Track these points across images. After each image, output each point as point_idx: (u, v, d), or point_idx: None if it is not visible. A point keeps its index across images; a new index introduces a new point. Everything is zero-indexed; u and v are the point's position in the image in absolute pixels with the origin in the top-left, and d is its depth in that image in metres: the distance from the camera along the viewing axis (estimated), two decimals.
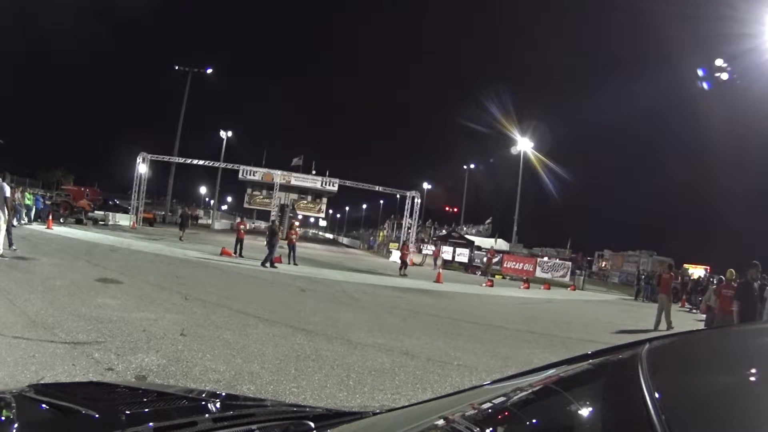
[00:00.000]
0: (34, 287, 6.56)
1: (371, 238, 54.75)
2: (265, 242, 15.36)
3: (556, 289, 21.91)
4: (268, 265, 13.96)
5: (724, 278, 11.91)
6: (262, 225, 50.97)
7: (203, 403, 1.32)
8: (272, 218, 28.13)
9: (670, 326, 11.46)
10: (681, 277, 21.72)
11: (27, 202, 19.86)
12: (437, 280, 17.36)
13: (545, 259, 30.96)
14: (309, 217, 53.98)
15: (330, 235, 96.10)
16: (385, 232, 49.08)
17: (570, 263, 28.84)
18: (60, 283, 7.09)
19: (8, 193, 9.30)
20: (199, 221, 49.37)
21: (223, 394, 2.17)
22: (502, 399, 0.87)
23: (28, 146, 50.81)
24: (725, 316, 10.21)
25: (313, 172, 40.41)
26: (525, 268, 27.78)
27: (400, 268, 19.02)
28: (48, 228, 17.78)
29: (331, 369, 4.55)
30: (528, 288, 20.13)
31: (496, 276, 25.61)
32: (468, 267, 30.33)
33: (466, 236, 37.50)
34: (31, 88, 65.38)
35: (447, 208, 50.60)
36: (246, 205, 42.88)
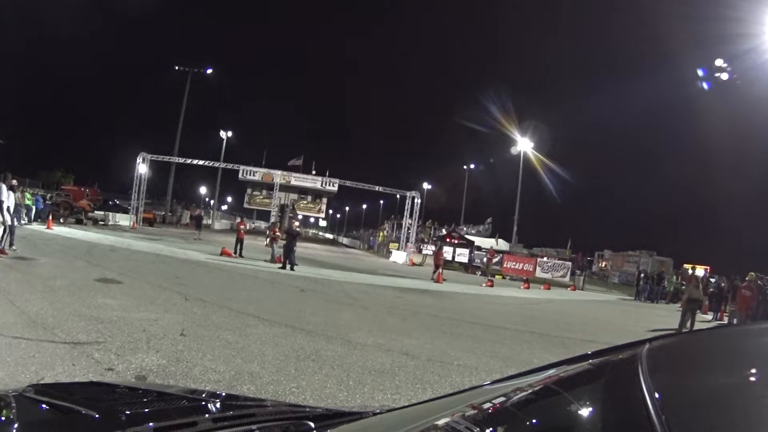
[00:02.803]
0: (34, 287, 6.56)
1: (371, 238, 54.72)
2: (267, 243, 15.34)
3: (556, 289, 21.90)
4: (288, 267, 14.04)
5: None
6: (263, 225, 50.94)
7: (203, 403, 1.32)
8: (272, 219, 28.15)
9: (689, 326, 11.50)
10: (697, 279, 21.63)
11: (27, 202, 19.85)
12: (437, 280, 17.37)
13: (545, 259, 30.92)
14: (309, 217, 53.93)
15: (330, 235, 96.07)
16: (385, 232, 49.05)
17: (570, 263, 28.81)
18: (60, 283, 7.09)
19: (4, 196, 9.41)
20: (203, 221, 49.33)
21: (223, 394, 2.17)
22: (502, 399, 0.87)
23: (28, 146, 50.86)
24: (742, 314, 10.50)
25: (313, 172, 40.46)
26: (525, 268, 27.74)
27: (434, 272, 19.10)
28: (48, 228, 17.78)
29: (331, 369, 4.55)
30: (528, 288, 20.12)
31: (496, 276, 25.60)
32: (468, 267, 30.32)
33: (466, 236, 37.50)
34: (31, 88, 65.41)
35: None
36: (246, 205, 42.89)
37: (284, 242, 14.76)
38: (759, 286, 11.99)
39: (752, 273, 11.24)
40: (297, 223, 17.02)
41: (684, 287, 18.46)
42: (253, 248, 17.18)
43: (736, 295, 13.70)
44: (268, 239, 17.75)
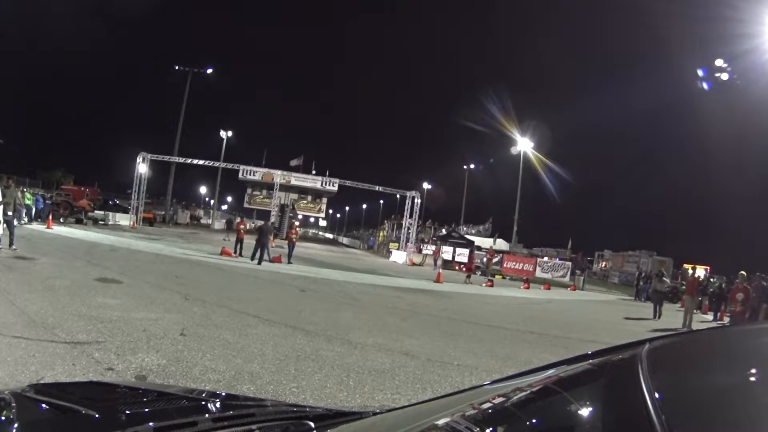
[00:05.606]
0: (34, 287, 6.56)
1: (371, 238, 54.72)
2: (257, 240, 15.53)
3: (556, 289, 21.91)
4: (256, 261, 14.40)
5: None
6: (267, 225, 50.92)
7: (203, 403, 1.32)
8: (272, 219, 28.23)
9: (688, 326, 11.52)
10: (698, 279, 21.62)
11: (27, 202, 19.85)
12: (437, 280, 17.36)
13: (545, 259, 30.98)
14: (309, 217, 53.93)
15: (330, 235, 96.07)
16: (385, 232, 49.05)
17: (570, 263, 28.83)
18: (60, 282, 7.09)
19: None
20: (201, 221, 49.46)
21: (223, 394, 2.17)
22: (502, 399, 0.87)
23: (28, 146, 50.87)
24: (737, 318, 10.15)
25: (313, 172, 40.46)
26: (525, 268, 27.77)
27: (468, 276, 19.77)
28: (48, 228, 17.78)
29: (331, 369, 4.55)
30: (528, 288, 20.12)
31: (496, 276, 25.60)
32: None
33: (466, 236, 37.48)
34: (31, 88, 65.39)
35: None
36: (246, 205, 42.88)
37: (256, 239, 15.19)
38: (755, 287, 11.73)
39: (743, 272, 10.82)
40: (297, 223, 17.09)
41: (684, 287, 18.55)
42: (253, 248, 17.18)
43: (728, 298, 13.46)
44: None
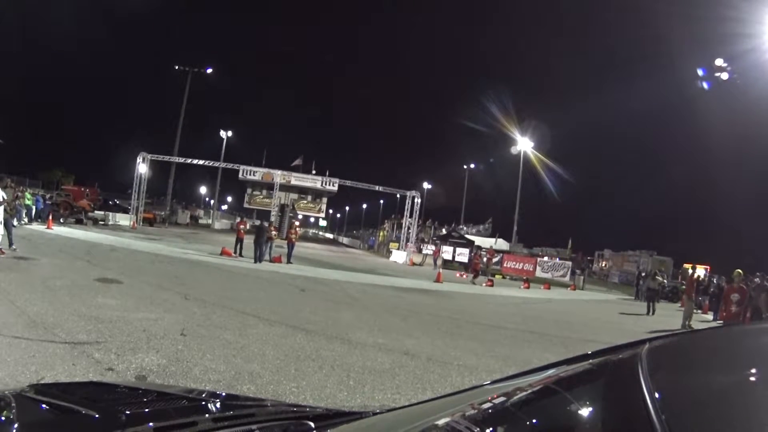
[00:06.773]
0: (35, 287, 6.56)
1: (371, 237, 54.74)
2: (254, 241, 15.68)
3: (556, 289, 21.90)
4: (258, 262, 14.60)
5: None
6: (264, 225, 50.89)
7: (203, 403, 1.32)
8: (272, 218, 28.24)
9: (687, 326, 11.47)
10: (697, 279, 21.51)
11: (27, 202, 19.84)
12: (437, 280, 17.36)
13: (545, 258, 30.94)
14: (309, 216, 53.94)
15: (330, 235, 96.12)
16: (385, 231, 49.04)
17: (570, 263, 28.80)
18: (60, 283, 7.09)
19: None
20: (200, 221, 49.45)
21: (223, 394, 2.17)
22: (502, 399, 0.87)
23: (28, 146, 50.89)
24: (730, 319, 9.92)
25: (313, 172, 40.44)
26: (525, 268, 27.73)
27: (474, 277, 20.11)
28: (48, 228, 17.77)
29: (331, 369, 4.55)
30: (528, 288, 20.12)
31: (497, 276, 25.59)
32: (468, 267, 30.30)
33: (467, 236, 37.47)
34: (31, 88, 65.39)
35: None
36: (246, 205, 42.85)
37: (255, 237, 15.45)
38: (756, 286, 11.52)
39: (738, 271, 10.48)
40: (297, 223, 17.24)
41: (684, 287, 18.54)
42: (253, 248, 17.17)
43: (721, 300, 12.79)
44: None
